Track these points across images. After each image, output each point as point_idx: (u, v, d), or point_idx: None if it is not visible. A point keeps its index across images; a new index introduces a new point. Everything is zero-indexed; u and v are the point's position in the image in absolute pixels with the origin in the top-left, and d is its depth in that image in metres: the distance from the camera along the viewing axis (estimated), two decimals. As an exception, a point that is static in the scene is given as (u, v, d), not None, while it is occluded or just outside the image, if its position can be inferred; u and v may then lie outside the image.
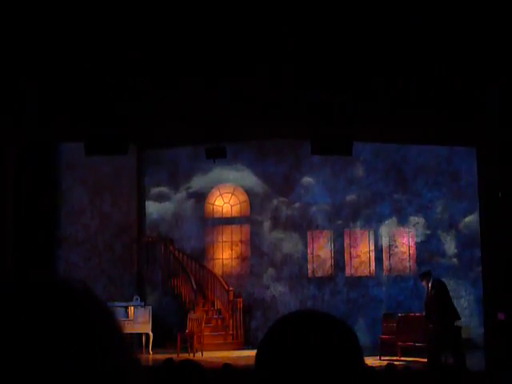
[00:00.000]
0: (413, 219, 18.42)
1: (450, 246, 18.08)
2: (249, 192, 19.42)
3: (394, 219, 18.57)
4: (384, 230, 18.61)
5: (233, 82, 10.26)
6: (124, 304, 17.03)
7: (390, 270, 18.52)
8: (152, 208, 19.95)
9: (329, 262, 18.93)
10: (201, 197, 19.69)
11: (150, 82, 10.17)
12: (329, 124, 10.17)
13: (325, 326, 1.44)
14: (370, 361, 13.78)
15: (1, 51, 8.94)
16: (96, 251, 18.07)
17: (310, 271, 18.96)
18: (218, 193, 19.74)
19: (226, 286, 18.66)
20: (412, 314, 16.67)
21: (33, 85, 9.96)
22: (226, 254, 19.68)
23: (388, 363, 10.87)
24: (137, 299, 17.81)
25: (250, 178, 19.33)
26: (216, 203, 19.75)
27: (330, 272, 18.90)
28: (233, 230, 19.65)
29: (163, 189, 19.92)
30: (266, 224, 19.33)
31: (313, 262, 18.99)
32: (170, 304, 18.83)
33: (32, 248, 14.97)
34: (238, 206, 19.63)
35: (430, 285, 13.87)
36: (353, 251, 18.78)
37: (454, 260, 17.98)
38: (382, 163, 18.56)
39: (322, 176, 18.96)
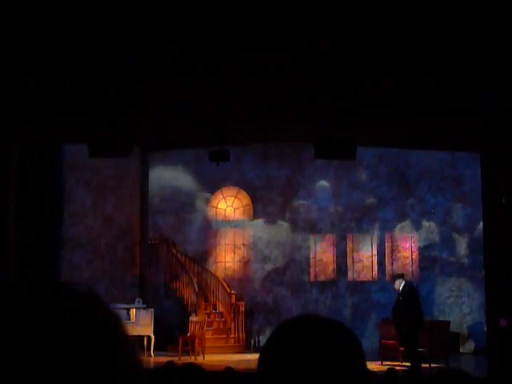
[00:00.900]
0: (416, 224, 18.40)
1: (452, 251, 18.05)
2: (252, 195, 19.41)
3: (397, 224, 18.56)
4: (387, 235, 18.60)
5: (236, 84, 10.26)
6: (126, 306, 17.02)
7: (392, 275, 18.49)
8: (155, 210, 19.95)
9: (331, 267, 18.92)
10: (204, 200, 19.69)
11: (154, 84, 10.17)
12: (332, 128, 10.17)
13: (327, 330, 1.43)
14: (372, 366, 13.76)
15: (4, 52, 8.95)
16: (98, 253, 18.07)
17: (312, 275, 18.95)
18: (221, 196, 19.74)
19: (228, 289, 18.65)
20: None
21: (36, 85, 9.96)
22: (228, 257, 19.68)
23: (389, 368, 10.85)
24: (139, 301, 17.80)
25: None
26: (219, 206, 19.75)
27: (332, 276, 18.89)
28: (235, 233, 19.64)
29: (166, 191, 19.92)
30: (269, 227, 19.31)
31: (315, 266, 18.97)
32: (172, 307, 18.82)
33: (34, 249, 14.97)
34: (241, 209, 19.63)
35: (400, 288, 14.03)
36: (355, 255, 18.76)
37: (457, 265, 17.96)
38: (386, 168, 18.55)
39: (326, 180, 18.96)
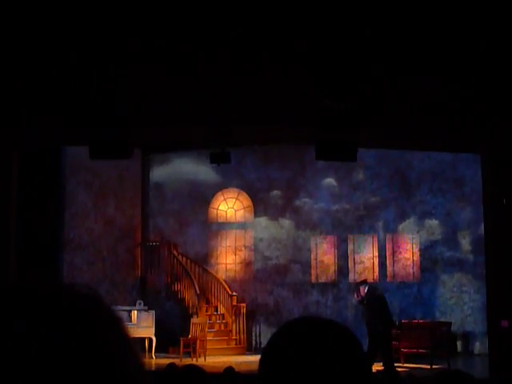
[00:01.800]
0: (417, 225, 18.39)
1: (453, 252, 18.04)
2: (253, 197, 19.41)
3: (398, 225, 18.55)
4: (388, 236, 18.60)
5: (238, 86, 10.26)
6: (127, 308, 17.01)
7: (393, 277, 18.49)
8: (156, 212, 19.95)
9: (332, 268, 18.91)
10: (205, 201, 19.69)
11: (155, 85, 10.17)
12: (333, 130, 10.17)
13: (328, 332, 1.43)
14: (373, 367, 13.75)
15: (4, 54, 8.96)
16: (99, 255, 18.07)
17: (313, 277, 18.94)
18: (222, 197, 19.74)
19: (229, 291, 18.65)
20: (415, 321, 16.66)
21: (37, 86, 9.96)
22: (229, 259, 19.67)
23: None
24: (140, 303, 17.79)
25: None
26: (220, 208, 19.75)
27: (333, 278, 18.88)
28: (236, 235, 19.64)
29: (167, 193, 19.92)
30: (270, 229, 19.31)
31: (316, 267, 18.97)
32: (174, 308, 18.81)
33: (35, 251, 14.97)
34: (242, 210, 19.63)
35: (365, 293, 14.17)
36: (356, 257, 18.75)
37: (458, 266, 17.95)
38: (387, 169, 18.54)
39: (327, 181, 18.95)
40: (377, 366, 12.91)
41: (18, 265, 12.08)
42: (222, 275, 19.35)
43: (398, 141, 12.98)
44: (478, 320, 17.19)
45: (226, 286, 18.79)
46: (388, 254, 18.59)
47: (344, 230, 18.83)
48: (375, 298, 14.10)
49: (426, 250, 18.26)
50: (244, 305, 18.52)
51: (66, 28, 8.83)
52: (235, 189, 19.59)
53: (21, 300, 0.90)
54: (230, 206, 19.72)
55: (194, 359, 16.02)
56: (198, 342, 16.68)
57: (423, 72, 9.90)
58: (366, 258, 18.70)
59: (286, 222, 19.21)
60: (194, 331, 17.01)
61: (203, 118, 10.80)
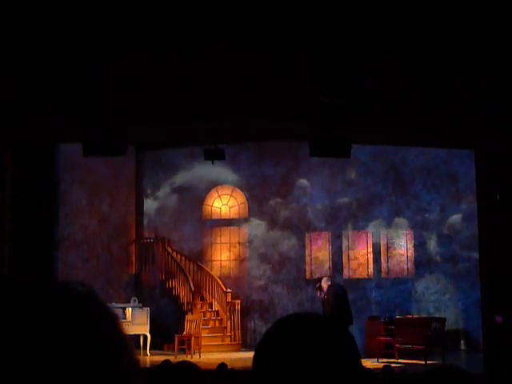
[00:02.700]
0: (411, 221, 18.41)
1: (448, 248, 18.07)
2: (247, 193, 19.42)
3: (392, 221, 18.57)
4: (382, 232, 18.61)
5: (231, 83, 10.25)
6: (122, 305, 17.01)
7: (388, 272, 18.51)
8: (150, 209, 19.95)
9: (327, 264, 18.93)
10: (199, 198, 19.69)
11: (149, 82, 10.16)
12: (328, 126, 10.17)
13: (322, 329, 1.43)
14: (368, 363, 13.78)
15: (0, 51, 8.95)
16: (94, 252, 18.06)
17: (307, 273, 18.95)
18: (217, 194, 19.74)
19: (223, 288, 18.65)
20: (410, 317, 16.69)
21: (31, 84, 9.95)
22: (224, 256, 19.68)
23: (385, 365, 10.87)
24: (134, 300, 17.79)
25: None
26: (214, 205, 19.75)
27: (328, 274, 18.89)
28: (231, 232, 19.65)
29: (161, 190, 19.92)
30: (264, 226, 19.32)
31: (311, 263, 18.98)
32: (168, 305, 18.82)
33: (29, 248, 14.94)
34: (237, 207, 19.63)
35: (326, 289, 14.22)
36: (351, 253, 18.77)
37: (452, 262, 17.97)
38: (381, 165, 18.55)
39: (321, 178, 18.96)
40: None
41: (12, 262, 12.07)
42: (216, 272, 19.35)
43: (392, 137, 12.99)
44: (473, 316, 17.22)
45: (221, 283, 18.80)
46: (382, 249, 18.60)
47: (338, 226, 18.85)
48: (338, 295, 14.10)
49: (421, 246, 18.28)
50: (239, 301, 18.53)
51: (62, 26, 8.82)
52: (229, 185, 19.60)
53: (16, 297, 0.90)
54: (224, 202, 19.73)
55: (189, 356, 16.02)
56: (193, 338, 16.68)
57: (418, 69, 9.91)
58: (360, 253, 18.72)
59: (281, 219, 19.22)
60: (188, 328, 17.02)
61: (197, 114, 10.79)
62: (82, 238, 17.74)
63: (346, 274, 18.71)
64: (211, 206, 19.76)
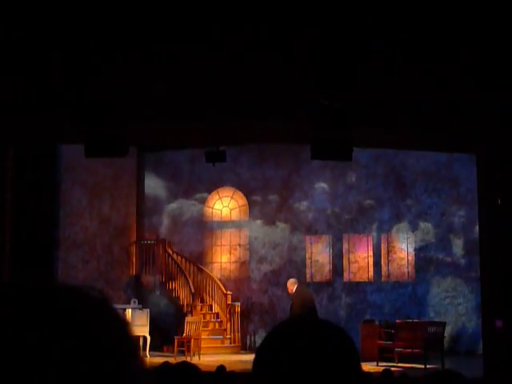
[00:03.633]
0: (412, 225, 18.41)
1: (448, 252, 18.07)
2: (248, 195, 19.42)
3: (393, 225, 18.57)
4: (383, 236, 18.61)
5: (233, 85, 10.26)
6: (122, 307, 17.00)
7: (388, 276, 18.51)
8: (151, 210, 19.95)
9: (327, 267, 18.92)
10: (200, 200, 19.69)
11: (150, 84, 10.17)
12: (329, 129, 10.17)
13: (322, 332, 1.43)
14: (368, 367, 13.77)
15: (1, 51, 8.95)
16: (94, 253, 18.06)
17: (308, 276, 18.94)
18: (218, 196, 19.74)
19: (224, 290, 18.65)
20: (410, 321, 16.67)
21: (32, 84, 9.95)
22: (224, 258, 19.68)
23: (384, 369, 10.86)
24: (134, 302, 17.79)
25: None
26: (215, 207, 19.75)
27: (328, 277, 18.89)
28: (231, 234, 19.65)
29: (162, 191, 19.92)
30: (265, 228, 19.32)
31: (311, 266, 18.98)
32: (168, 307, 18.82)
33: (30, 249, 14.95)
34: (237, 209, 19.63)
35: (293, 291, 14.25)
36: (351, 256, 18.77)
37: (453, 266, 17.97)
38: (382, 169, 18.55)
39: (322, 181, 18.96)
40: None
41: (13, 263, 12.07)
42: (216, 274, 19.35)
43: (394, 140, 12.99)
44: (473, 320, 17.22)
45: (221, 285, 18.80)
46: (383, 253, 18.60)
47: (339, 230, 18.84)
48: (302, 298, 14.11)
49: (421, 250, 18.28)
50: (239, 304, 18.53)
51: (63, 26, 8.82)
52: (230, 188, 19.60)
53: (30, 301, 0.90)
54: (225, 204, 19.73)
55: (189, 358, 16.00)
56: (193, 340, 16.67)
57: (419, 72, 9.91)
58: (360, 257, 18.71)
59: (281, 221, 19.22)
60: (188, 330, 17.01)
61: (199, 116, 10.80)
62: (83, 239, 17.74)
63: (346, 277, 18.71)
64: (212, 207, 19.76)
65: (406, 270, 18.42)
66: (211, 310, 18.82)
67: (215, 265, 19.65)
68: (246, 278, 19.27)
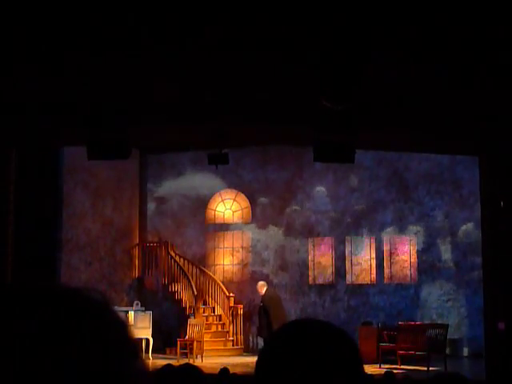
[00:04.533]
0: (414, 227, 18.40)
1: (451, 254, 18.05)
2: (250, 198, 19.42)
3: (396, 227, 18.55)
4: (385, 238, 18.60)
5: (236, 87, 10.26)
6: (124, 309, 17.00)
7: (391, 278, 18.49)
8: (154, 213, 19.95)
9: (330, 269, 18.91)
10: (202, 202, 19.69)
11: (153, 86, 10.17)
12: (331, 131, 10.17)
13: (325, 334, 1.43)
14: (370, 369, 13.76)
15: (3, 54, 8.96)
16: (97, 255, 18.07)
17: (310, 278, 18.94)
18: (220, 198, 19.74)
19: (226, 292, 18.66)
20: (412, 323, 16.65)
21: (35, 87, 9.96)
22: (226, 260, 19.68)
23: (387, 371, 10.85)
24: (137, 304, 17.79)
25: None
26: (218, 209, 19.75)
27: (330, 279, 18.88)
28: (234, 236, 19.64)
29: (165, 194, 19.92)
30: (268, 230, 19.32)
31: (314, 269, 18.97)
32: (171, 309, 18.81)
33: (33, 251, 14.96)
34: (240, 212, 19.63)
35: (262, 295, 14.29)
36: (354, 259, 18.76)
37: (455, 269, 17.95)
38: (385, 171, 18.54)
39: (325, 183, 18.96)
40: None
41: (16, 264, 12.08)
42: (219, 276, 19.35)
43: (396, 143, 12.99)
44: (475, 322, 17.19)
45: (224, 287, 18.80)
46: (385, 255, 18.59)
47: (342, 232, 18.84)
48: (275, 300, 14.13)
49: (424, 252, 18.26)
50: (241, 306, 18.53)
51: (65, 27, 8.83)
52: (233, 190, 19.60)
53: (31, 303, 0.90)
54: (227, 207, 19.73)
55: (191, 360, 16.00)
56: (195, 342, 16.67)
57: (422, 75, 9.91)
58: (363, 259, 18.71)
59: (284, 223, 19.21)
60: (191, 332, 17.01)
61: (201, 118, 10.80)
62: (85, 241, 17.75)
63: (348, 279, 18.70)
64: (214, 210, 19.76)
65: (408, 273, 18.41)
66: (214, 313, 18.82)
67: (218, 267, 19.65)
68: (249, 280, 19.27)
